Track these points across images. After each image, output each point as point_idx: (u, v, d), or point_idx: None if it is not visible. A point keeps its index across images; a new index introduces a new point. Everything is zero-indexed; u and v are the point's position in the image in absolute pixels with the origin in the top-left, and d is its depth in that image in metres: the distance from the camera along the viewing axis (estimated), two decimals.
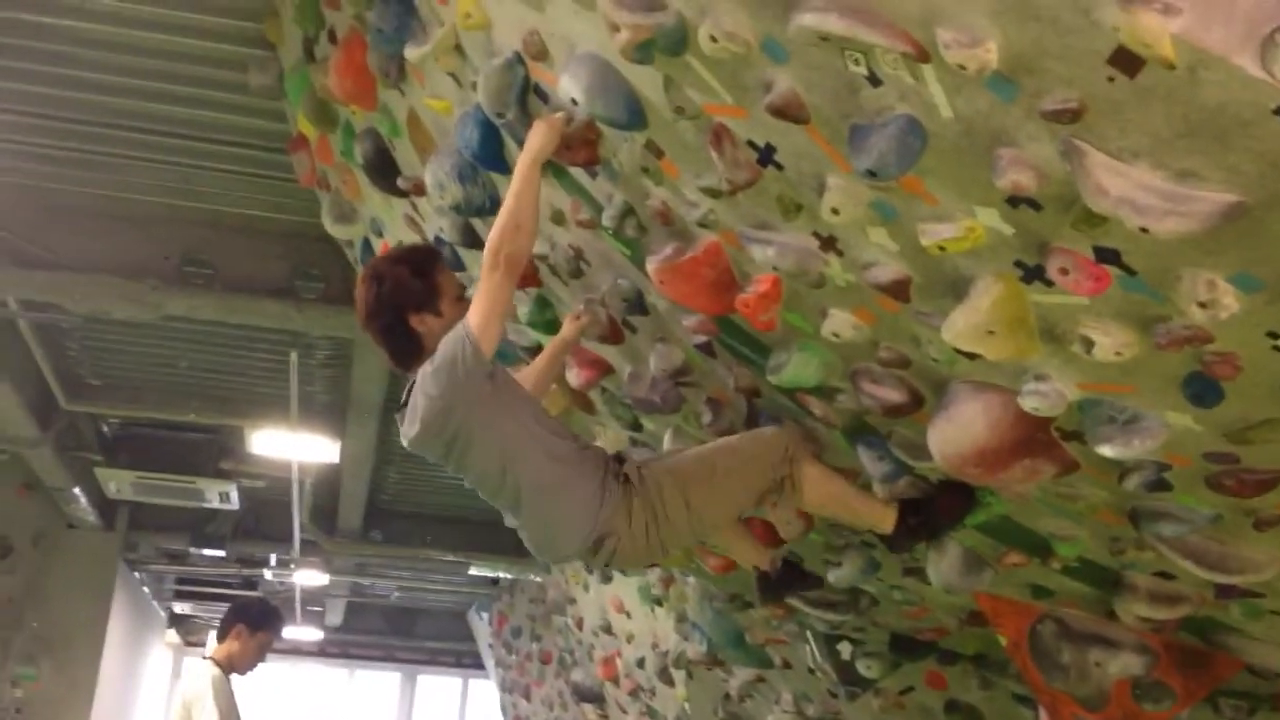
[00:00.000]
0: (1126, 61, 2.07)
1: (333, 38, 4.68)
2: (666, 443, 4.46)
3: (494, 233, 3.38)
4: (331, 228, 5.89)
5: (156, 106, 6.64)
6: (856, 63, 2.46)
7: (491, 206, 3.94)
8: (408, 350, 3.62)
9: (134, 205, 7.64)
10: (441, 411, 3.46)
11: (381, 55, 4.14)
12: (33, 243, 7.43)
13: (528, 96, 3.51)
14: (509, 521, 3.84)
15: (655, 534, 3.64)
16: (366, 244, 5.76)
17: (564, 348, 4.21)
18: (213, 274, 7.78)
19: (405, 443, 3.64)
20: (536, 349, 4.63)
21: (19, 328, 8.52)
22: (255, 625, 6.56)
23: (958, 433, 3.20)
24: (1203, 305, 2.41)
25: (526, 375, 4.08)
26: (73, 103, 6.61)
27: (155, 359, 9.69)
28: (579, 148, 3.43)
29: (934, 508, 3.77)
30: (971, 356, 2.90)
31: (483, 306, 3.39)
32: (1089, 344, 2.68)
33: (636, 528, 3.60)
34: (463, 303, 3.64)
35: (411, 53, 3.89)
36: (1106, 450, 2.96)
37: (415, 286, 3.60)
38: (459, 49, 3.71)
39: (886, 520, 3.81)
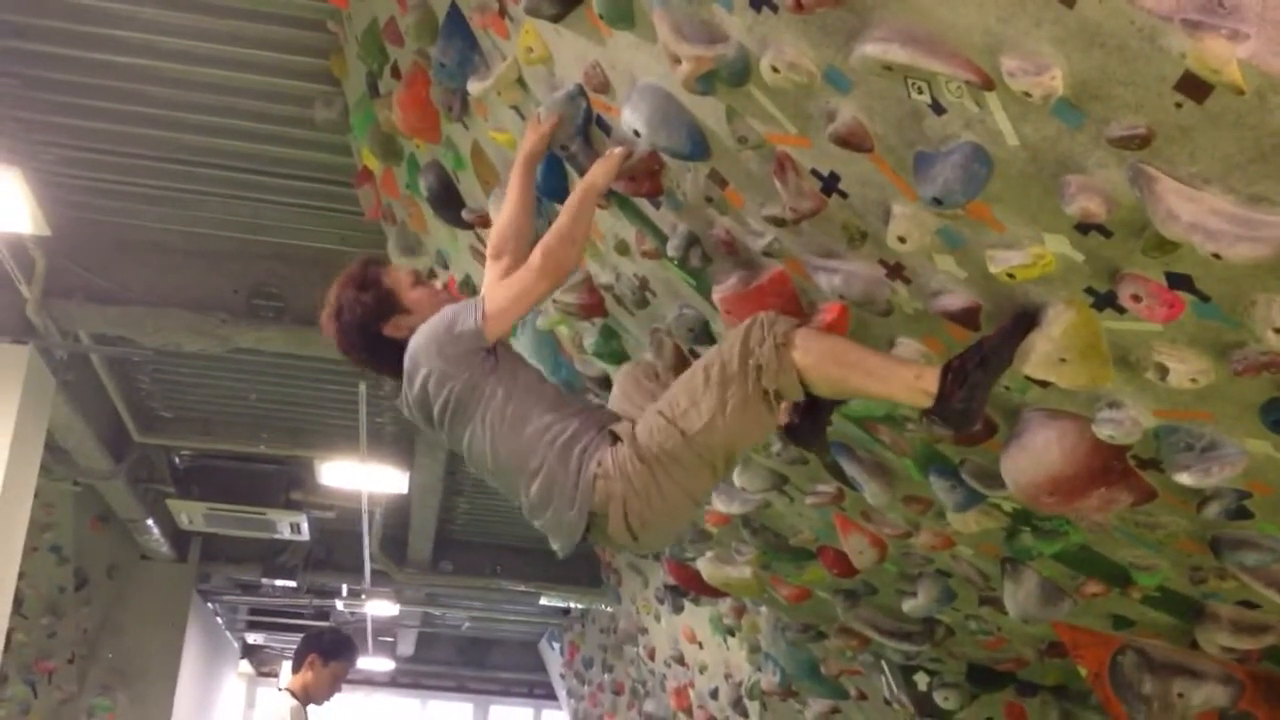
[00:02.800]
0: (1194, 87, 2.03)
1: (396, 73, 4.72)
2: (737, 473, 4.44)
3: (550, 236, 3.30)
4: (397, 260, 5.93)
5: (224, 142, 6.75)
6: (920, 91, 2.44)
7: None
8: (390, 358, 3.46)
9: (203, 240, 7.77)
10: (436, 380, 3.31)
11: (444, 89, 4.17)
12: (104, 278, 7.58)
13: (590, 128, 3.52)
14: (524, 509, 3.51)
15: (666, 479, 3.18)
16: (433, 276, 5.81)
17: (530, 163, 3.67)
18: (281, 307, 7.88)
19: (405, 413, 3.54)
20: (605, 379, 4.63)
21: (92, 362, 8.68)
22: (329, 655, 6.58)
23: (1032, 461, 3.15)
24: (1278, 331, 2.35)
25: (507, 210, 3.72)
26: (142, 139, 6.74)
27: (226, 391, 9.82)
28: (643, 178, 3.43)
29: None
30: (1044, 384, 2.86)
31: (509, 295, 3.32)
32: (1163, 371, 2.63)
33: (638, 479, 3.18)
34: (422, 285, 3.59)
35: (474, 87, 3.91)
36: (1185, 478, 2.91)
37: (368, 300, 3.48)
38: (521, 82, 3.72)
39: (923, 385, 2.94)
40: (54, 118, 6.53)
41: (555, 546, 3.40)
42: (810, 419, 3.48)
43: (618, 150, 3.33)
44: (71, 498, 11.32)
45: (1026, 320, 2.82)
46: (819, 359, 3.03)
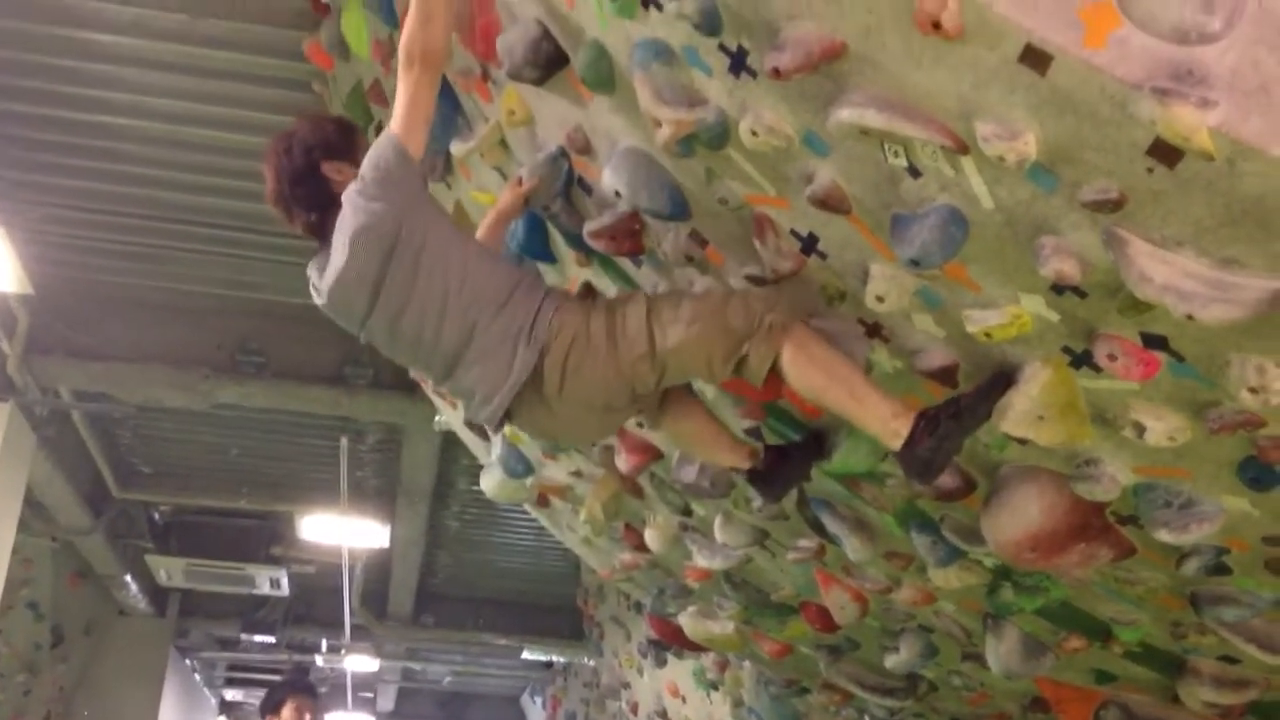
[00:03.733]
0: (1165, 153, 2.07)
1: (380, 133, 4.75)
2: (717, 529, 4.45)
3: (404, 32, 3.08)
4: None
5: (209, 200, 6.78)
6: (896, 155, 2.48)
7: None
8: (318, 203, 3.23)
9: (186, 296, 7.79)
10: (377, 222, 3.08)
11: (428, 151, 4.19)
12: (87, 334, 7.58)
13: (572, 189, 3.56)
14: (439, 378, 3.35)
15: (613, 347, 3.09)
16: None
17: (503, 220, 3.72)
18: (264, 362, 7.90)
19: (322, 301, 3.29)
20: None
21: (73, 418, 8.65)
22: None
23: (1012, 518, 3.17)
24: (1253, 390, 2.39)
25: None
26: (127, 197, 6.77)
27: (207, 447, 9.79)
28: (624, 238, 3.46)
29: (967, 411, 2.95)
30: (1023, 441, 2.88)
31: (404, 109, 3.09)
32: (1141, 429, 2.66)
33: (595, 329, 3.10)
34: None
35: (458, 148, 3.95)
36: (1164, 535, 2.93)
37: (331, 132, 3.34)
38: (504, 144, 3.77)
39: (896, 425, 2.94)
40: (39, 176, 6.55)
41: (485, 412, 3.21)
42: (779, 469, 3.53)
43: None
44: (50, 554, 11.22)
45: (1003, 379, 2.85)
46: (810, 359, 3.02)
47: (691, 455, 3.66)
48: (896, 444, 2.92)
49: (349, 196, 3.13)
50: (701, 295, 3.17)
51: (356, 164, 3.18)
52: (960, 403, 2.90)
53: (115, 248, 7.28)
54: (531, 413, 3.24)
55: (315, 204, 3.25)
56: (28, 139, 6.24)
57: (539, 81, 3.25)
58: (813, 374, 3.02)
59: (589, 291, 3.37)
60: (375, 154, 3.11)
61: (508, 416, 3.24)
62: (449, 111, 3.95)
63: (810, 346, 3.03)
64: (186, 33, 5.54)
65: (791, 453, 3.60)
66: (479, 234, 3.67)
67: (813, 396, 3.11)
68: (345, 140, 3.32)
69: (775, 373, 3.06)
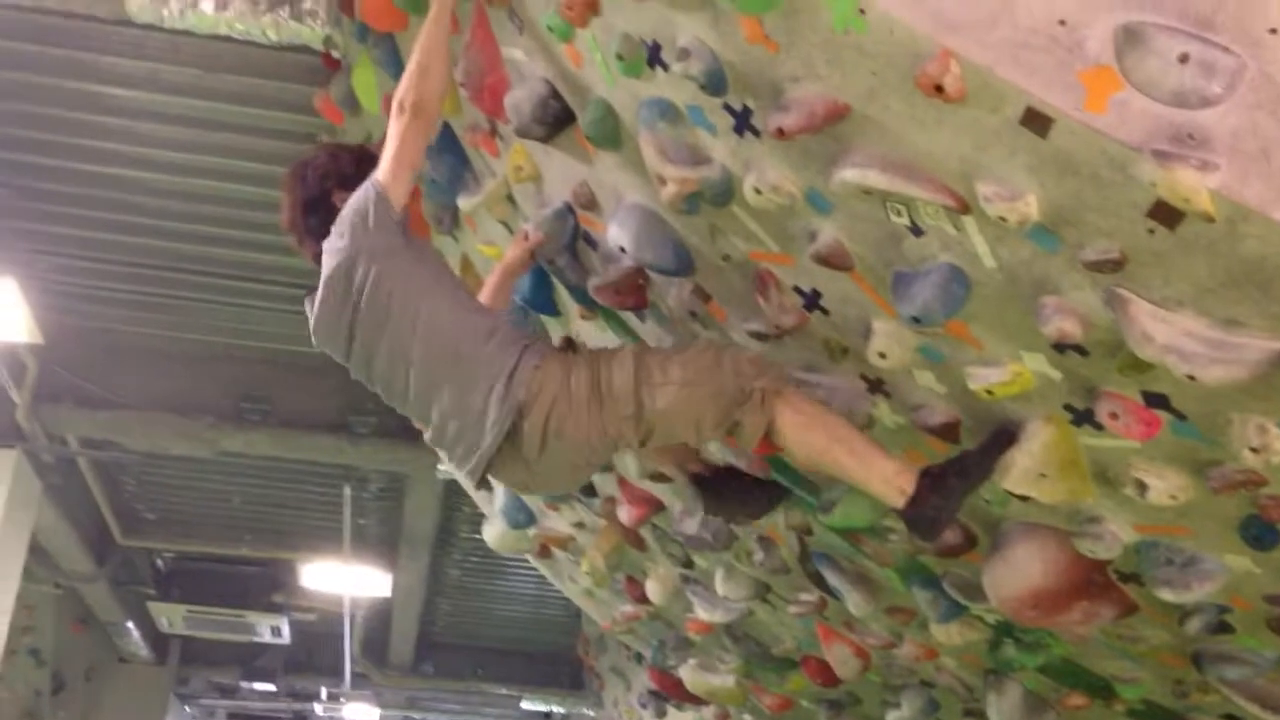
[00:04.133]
0: (1166, 215, 2.10)
1: None
2: (719, 582, 4.44)
3: (401, 81, 3.12)
4: None
5: (215, 250, 6.83)
6: (899, 214, 2.51)
7: None
8: (324, 233, 3.21)
9: (192, 345, 7.82)
10: (347, 265, 3.07)
11: (436, 204, 4.25)
12: (95, 382, 7.61)
13: (578, 244, 3.59)
14: (421, 425, 3.31)
15: (597, 407, 3.00)
16: None
17: (510, 274, 3.71)
18: (268, 410, 7.92)
19: (313, 337, 3.29)
20: (587, 486, 4.64)
21: (79, 465, 8.66)
22: None
23: (1013, 575, 3.17)
24: (1255, 450, 2.40)
25: None
26: (133, 247, 6.82)
27: (210, 494, 9.79)
28: (628, 292, 3.49)
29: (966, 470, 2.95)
30: (1025, 498, 2.89)
31: (391, 157, 3.10)
32: (1143, 487, 2.67)
33: (577, 388, 3.00)
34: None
35: (464, 202, 3.99)
36: (1166, 593, 2.93)
37: (346, 163, 3.35)
38: (510, 199, 3.80)
39: (900, 483, 2.93)
40: (49, 227, 6.61)
41: (464, 469, 3.15)
42: (724, 485, 3.50)
43: None
44: (52, 600, 11.19)
45: (1007, 435, 2.86)
46: (809, 421, 3.00)
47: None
48: (901, 502, 2.91)
49: (328, 239, 3.15)
50: (691, 356, 3.08)
51: None
52: (965, 460, 2.91)
53: (124, 297, 7.32)
54: (510, 468, 3.16)
55: (325, 234, 3.22)
56: (41, 190, 6.30)
57: (546, 138, 3.29)
58: (812, 437, 3.00)
59: (569, 345, 3.33)
60: (355, 197, 3.12)
61: (488, 470, 3.17)
62: (457, 166, 3.99)
63: (806, 409, 3.02)
64: (199, 87, 5.61)
65: (736, 472, 3.55)
66: (485, 287, 3.69)
67: (813, 459, 3.07)
68: (360, 172, 3.27)
69: (768, 436, 3.03)
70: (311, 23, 5.17)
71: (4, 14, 5.25)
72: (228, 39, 5.21)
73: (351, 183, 3.22)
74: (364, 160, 3.36)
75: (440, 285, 3.17)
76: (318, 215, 3.27)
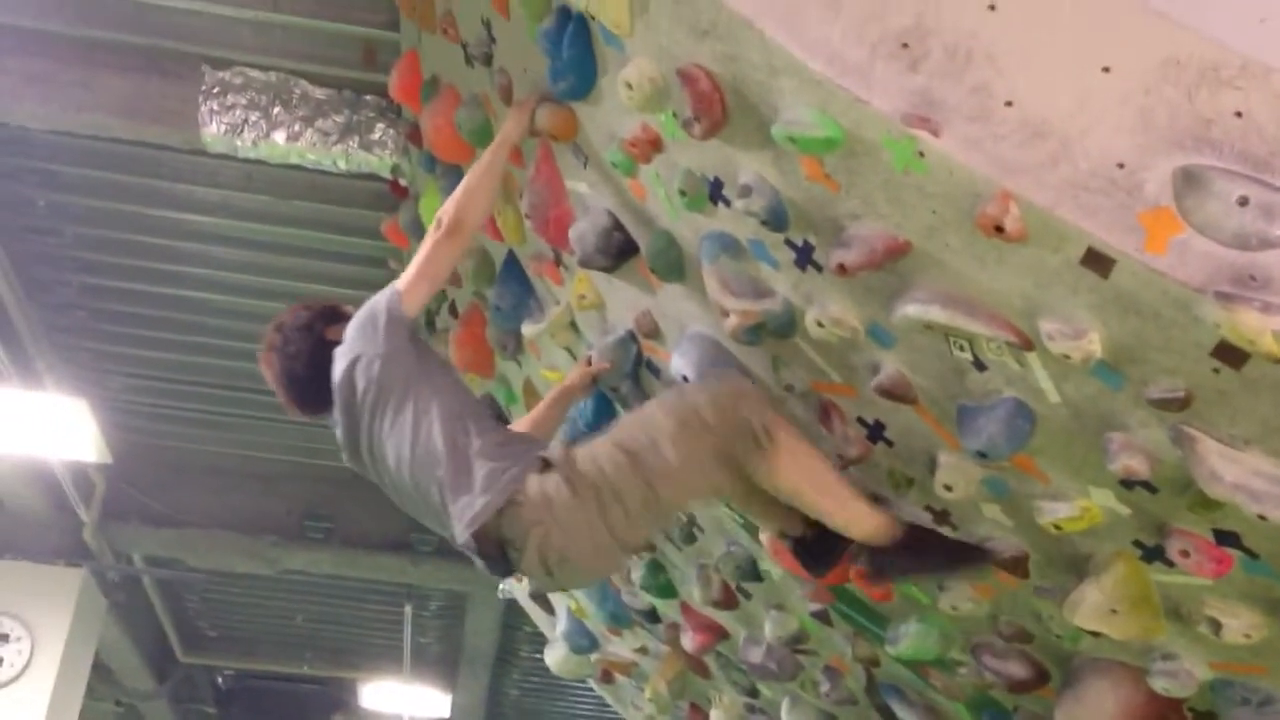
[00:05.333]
0: (1230, 354, 2.09)
1: (454, 311, 4.88)
2: (784, 712, 4.38)
3: (456, 193, 3.20)
4: None
5: None
6: (961, 349, 2.51)
7: None
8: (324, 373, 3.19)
9: (257, 463, 7.93)
10: (349, 370, 3.07)
11: (500, 330, 4.31)
12: (160, 501, 7.72)
13: (640, 371, 3.62)
14: (415, 514, 3.26)
15: (600, 518, 2.88)
16: None
17: (568, 396, 3.70)
18: (331, 528, 7.99)
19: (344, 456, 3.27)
20: (650, 612, 4.62)
21: (142, 583, 8.74)
22: None
23: (1087, 712, 3.09)
24: None
25: (524, 422, 3.69)
26: (202, 367, 6.97)
27: (272, 611, 9.84)
28: None
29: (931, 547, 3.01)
30: (1096, 634, 2.84)
31: (415, 266, 3.16)
32: (1216, 625, 2.61)
33: (565, 515, 2.87)
34: None
35: (528, 328, 4.04)
36: None
37: (315, 309, 3.32)
38: (574, 326, 3.85)
39: (875, 522, 2.97)
40: (119, 348, 6.78)
41: (454, 535, 3.02)
42: (827, 545, 3.24)
43: (530, 98, 3.27)
44: (113, 718, 11.21)
45: (982, 553, 2.94)
46: (795, 457, 2.93)
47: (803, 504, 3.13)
48: (873, 537, 2.95)
49: (338, 349, 3.15)
50: (672, 420, 2.92)
51: (347, 316, 3.22)
52: (947, 544, 2.95)
53: (191, 415, 7.47)
54: (533, 578, 3.09)
55: (323, 376, 3.18)
56: (114, 312, 6.48)
57: (609, 269, 3.34)
58: (795, 475, 2.94)
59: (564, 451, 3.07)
60: (369, 303, 3.15)
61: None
62: (521, 293, 4.06)
63: (796, 446, 2.95)
64: (270, 213, 5.77)
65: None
66: (540, 404, 3.73)
67: (786, 493, 2.99)
68: (329, 309, 3.33)
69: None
70: (380, 152, 5.31)
71: (83, 143, 5.45)
72: (299, 167, 5.37)
73: (334, 318, 3.25)
74: (326, 306, 3.36)
75: (445, 393, 3.10)
76: (316, 360, 3.21)
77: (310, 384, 3.23)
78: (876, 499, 3.11)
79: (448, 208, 3.19)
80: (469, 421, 3.04)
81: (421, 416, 3.02)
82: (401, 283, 3.16)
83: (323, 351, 3.20)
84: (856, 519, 2.97)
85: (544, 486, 2.90)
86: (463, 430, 3.01)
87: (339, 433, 3.21)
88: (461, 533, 2.95)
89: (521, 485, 2.90)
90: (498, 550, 2.96)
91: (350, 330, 3.14)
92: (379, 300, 3.13)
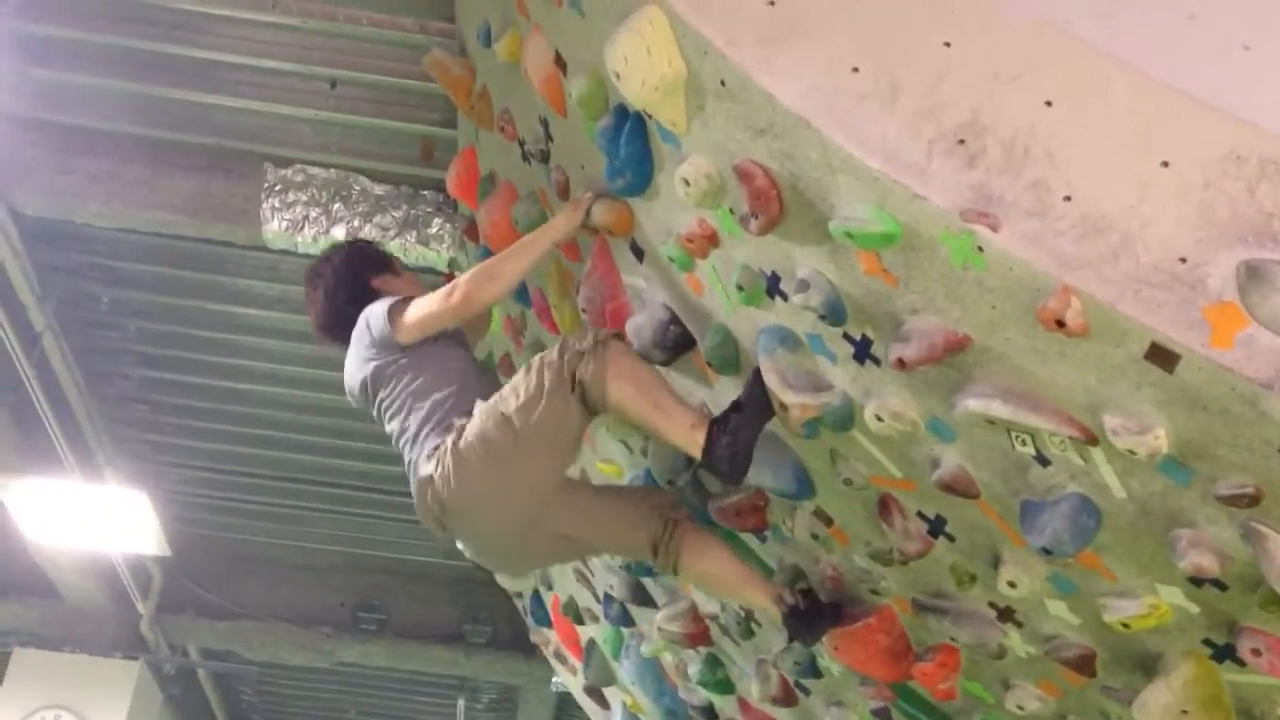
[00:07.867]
0: None
1: None
2: None
3: (480, 266, 3.45)
4: (501, 579, 5.98)
5: (336, 461, 6.99)
6: (1024, 443, 2.49)
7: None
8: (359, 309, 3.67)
9: (312, 554, 7.96)
10: (356, 378, 3.64)
11: None
12: (216, 593, 7.75)
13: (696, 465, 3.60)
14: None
15: (474, 466, 3.23)
16: (536, 597, 5.82)
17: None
18: (385, 620, 7.98)
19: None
20: (709, 709, 4.56)
21: (197, 675, 8.74)
22: None
23: None
24: None
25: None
26: (258, 459, 7.02)
27: (325, 703, 9.81)
28: (748, 513, 3.48)
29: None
30: None
31: (421, 313, 3.44)
32: None
33: (444, 469, 3.28)
34: (407, 276, 3.91)
35: None
36: None
37: (369, 251, 3.90)
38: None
39: (696, 436, 3.07)
40: (180, 440, 6.85)
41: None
42: (817, 611, 3.38)
43: (586, 195, 3.35)
44: None
45: (759, 376, 2.93)
46: (626, 372, 3.13)
47: (717, 596, 3.69)
48: (697, 452, 3.03)
49: (368, 309, 3.59)
50: (522, 382, 3.22)
51: (397, 272, 3.85)
52: (739, 400, 3.00)
53: (247, 507, 7.52)
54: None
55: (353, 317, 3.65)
56: (174, 405, 6.56)
57: (666, 363, 3.34)
58: (626, 388, 3.12)
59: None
60: (384, 315, 3.49)
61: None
62: None
63: (625, 361, 3.15)
64: None
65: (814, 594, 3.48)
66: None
67: (621, 411, 3.18)
68: (380, 256, 3.93)
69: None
70: (438, 247, 5.38)
71: (147, 240, 5.57)
72: None
73: (385, 268, 3.83)
74: (384, 255, 3.97)
75: (418, 377, 3.50)
76: (356, 297, 3.69)
77: (344, 307, 3.72)
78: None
79: (468, 279, 3.37)
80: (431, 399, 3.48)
81: (407, 403, 3.52)
82: (405, 317, 3.46)
83: (363, 292, 3.69)
84: (681, 432, 3.08)
85: (440, 450, 3.32)
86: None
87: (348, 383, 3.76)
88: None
89: (433, 450, 3.35)
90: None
91: (362, 320, 3.58)
92: (386, 316, 3.48)
